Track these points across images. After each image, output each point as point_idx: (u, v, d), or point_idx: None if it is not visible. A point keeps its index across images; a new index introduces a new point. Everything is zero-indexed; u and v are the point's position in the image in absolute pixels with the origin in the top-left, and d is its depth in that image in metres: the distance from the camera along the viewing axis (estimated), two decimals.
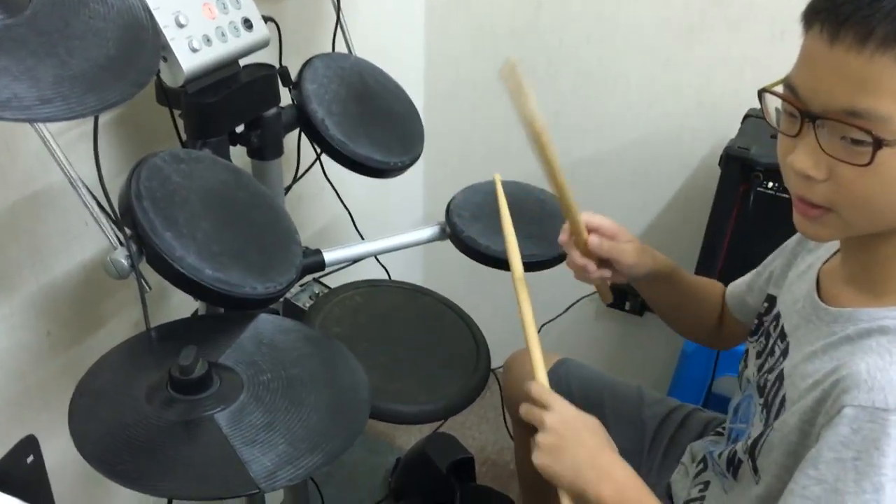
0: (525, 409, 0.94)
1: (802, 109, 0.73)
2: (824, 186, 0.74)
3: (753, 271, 1.12)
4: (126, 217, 0.90)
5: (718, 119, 1.68)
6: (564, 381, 1.32)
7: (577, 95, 1.83)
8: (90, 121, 0.87)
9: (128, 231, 0.90)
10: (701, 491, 1.06)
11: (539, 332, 1.93)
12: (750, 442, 0.90)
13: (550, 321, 1.93)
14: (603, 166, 1.88)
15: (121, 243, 0.90)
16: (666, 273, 1.13)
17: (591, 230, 1.05)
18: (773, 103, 0.78)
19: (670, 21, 1.66)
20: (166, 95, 1.08)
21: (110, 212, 0.92)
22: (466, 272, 1.33)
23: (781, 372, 0.88)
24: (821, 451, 0.73)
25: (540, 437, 0.90)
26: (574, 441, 0.90)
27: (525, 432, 1.47)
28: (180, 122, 1.12)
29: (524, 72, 0.94)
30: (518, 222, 1.35)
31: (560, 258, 1.33)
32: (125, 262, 0.89)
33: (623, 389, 1.31)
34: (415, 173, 2.04)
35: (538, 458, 0.89)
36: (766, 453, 0.86)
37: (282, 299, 1.24)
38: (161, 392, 0.81)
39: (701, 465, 1.10)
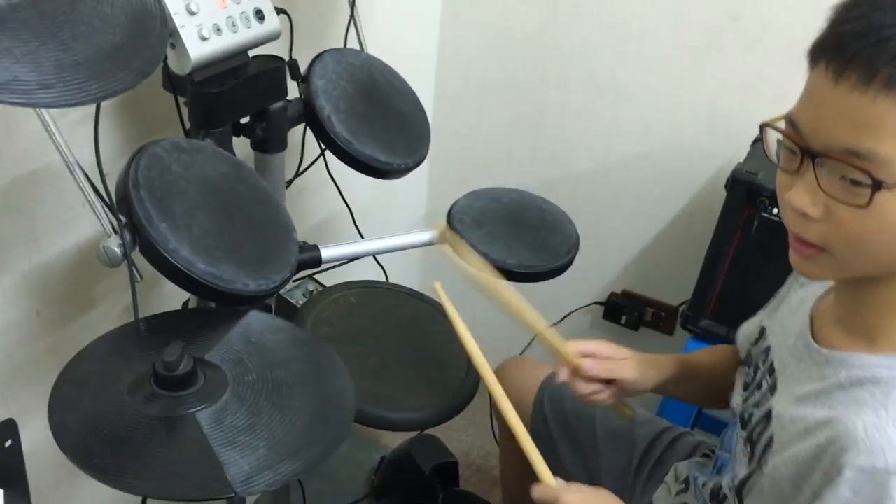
0: None
1: (803, 146, 0.72)
2: (820, 226, 0.73)
3: (759, 311, 1.09)
4: (122, 205, 0.89)
5: (728, 140, 1.66)
6: (558, 394, 1.31)
7: (587, 105, 1.81)
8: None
9: (123, 219, 0.89)
10: None
11: (531, 343, 1.92)
12: (737, 482, 0.89)
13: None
14: (608, 179, 1.86)
15: (115, 231, 0.89)
16: (680, 373, 1.12)
17: (585, 356, 1.05)
18: (775, 137, 0.77)
19: (686, 37, 1.64)
20: (172, 82, 1.07)
21: (106, 198, 0.91)
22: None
23: (769, 412, 0.87)
24: None
25: None
26: None
27: (512, 442, 1.47)
28: (185, 110, 1.11)
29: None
30: (518, 231, 1.34)
31: (558, 270, 1.32)
32: (118, 251, 0.88)
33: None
34: (419, 174, 2.02)
35: None
36: (755, 496, 0.85)
37: (275, 295, 1.23)
38: (144, 386, 0.80)
39: (682, 486, 1.09)
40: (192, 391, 0.80)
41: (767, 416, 0.87)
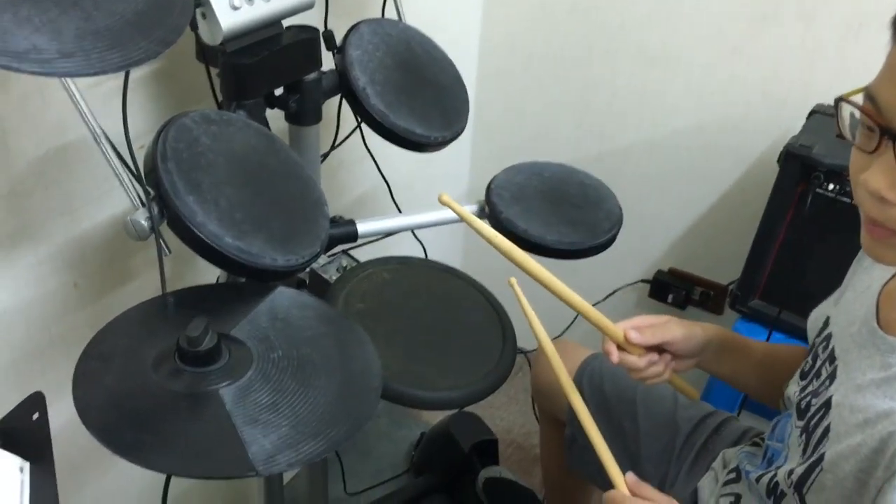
0: None
1: (883, 124, 0.66)
2: None
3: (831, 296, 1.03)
4: (150, 177, 0.88)
5: (783, 113, 1.60)
6: (598, 375, 1.29)
7: (636, 78, 1.76)
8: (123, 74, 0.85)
9: (151, 192, 0.88)
10: (732, 502, 1.02)
11: (575, 319, 1.89)
12: (795, 478, 0.85)
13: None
14: (657, 154, 1.81)
15: (143, 204, 0.88)
16: (728, 342, 1.07)
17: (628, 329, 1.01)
18: (850, 112, 0.71)
19: (741, 8, 1.58)
20: (204, 53, 1.05)
21: (135, 170, 0.90)
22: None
23: (829, 400, 0.83)
24: None
25: None
26: None
27: (551, 428, 1.44)
28: (217, 82, 1.09)
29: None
30: (559, 206, 1.31)
31: (602, 246, 1.28)
32: (145, 224, 0.87)
33: (657, 391, 1.26)
34: (461, 148, 2.00)
35: None
36: (816, 492, 0.82)
37: (308, 270, 1.22)
38: (168, 362, 0.79)
39: (733, 475, 1.05)
40: (215, 367, 0.79)
41: (826, 404, 0.83)
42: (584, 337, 1.56)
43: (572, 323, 1.89)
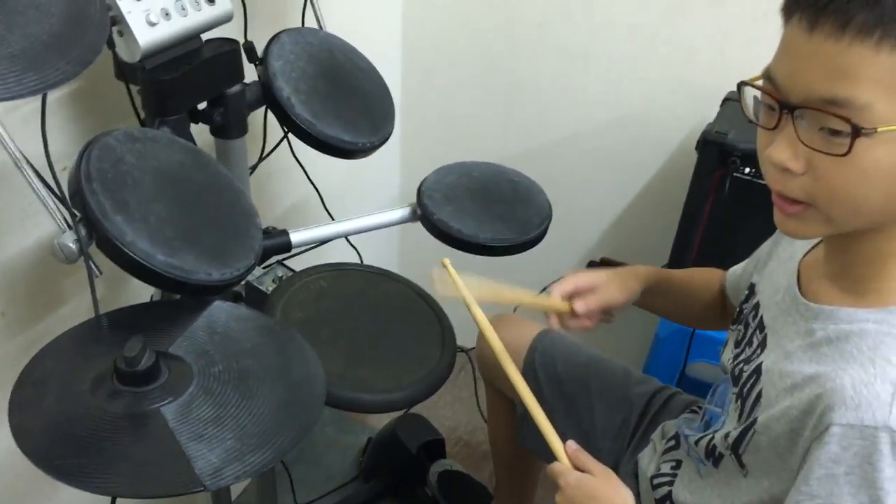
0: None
1: (781, 101, 0.71)
2: (803, 180, 0.73)
3: (750, 256, 1.10)
4: (75, 199, 0.87)
5: (699, 101, 1.65)
6: (549, 354, 1.31)
7: (557, 75, 1.79)
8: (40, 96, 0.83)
9: (77, 214, 0.87)
10: (673, 468, 1.06)
11: (515, 311, 1.91)
12: (731, 440, 0.89)
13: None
14: (582, 148, 1.85)
15: (69, 226, 0.87)
16: (655, 284, 1.14)
17: (571, 296, 1.07)
18: (752, 96, 0.76)
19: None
20: (123, 71, 1.04)
21: (59, 192, 0.89)
22: (442, 255, 1.31)
23: (759, 366, 0.88)
24: (811, 468, 0.73)
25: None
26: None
27: (499, 402, 1.46)
28: (139, 99, 1.08)
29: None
30: (490, 205, 1.33)
31: (534, 240, 1.31)
32: (73, 247, 0.86)
33: (609, 367, 1.31)
34: (390, 152, 2.01)
35: None
36: (752, 452, 0.86)
37: (243, 283, 1.22)
38: (106, 384, 0.78)
39: (672, 442, 1.10)
40: (155, 386, 0.78)
41: (757, 371, 0.88)
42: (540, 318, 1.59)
43: (514, 311, 1.92)
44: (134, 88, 1.09)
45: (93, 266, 0.88)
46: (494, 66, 1.86)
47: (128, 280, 1.24)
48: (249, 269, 0.97)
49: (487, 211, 1.31)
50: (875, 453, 0.70)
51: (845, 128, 0.67)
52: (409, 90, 1.95)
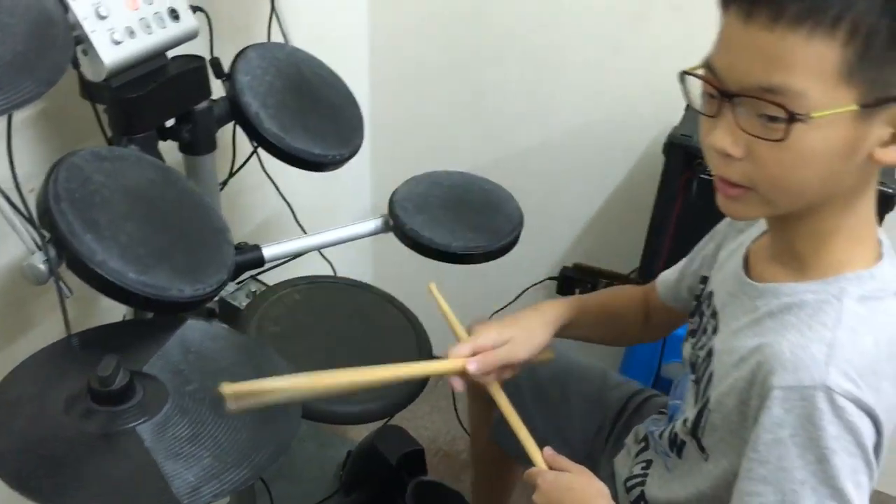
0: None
1: (720, 89, 0.74)
2: (743, 165, 0.76)
3: (684, 259, 1.14)
4: (44, 220, 0.86)
5: (664, 105, 1.66)
6: None
7: (524, 81, 1.81)
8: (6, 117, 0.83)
9: (46, 234, 0.86)
10: (643, 469, 1.07)
11: (491, 318, 1.91)
12: (689, 424, 0.91)
13: (503, 308, 1.92)
14: (551, 154, 1.86)
15: (38, 247, 0.86)
16: (570, 320, 1.10)
17: (472, 354, 0.99)
18: (696, 86, 0.79)
19: (616, 5, 1.64)
20: (89, 90, 1.04)
21: (27, 214, 0.88)
22: (417, 265, 1.31)
23: (711, 349, 0.91)
24: (759, 434, 0.76)
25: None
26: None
27: (479, 405, 1.46)
28: (106, 118, 1.08)
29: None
30: (462, 213, 1.33)
31: (506, 248, 1.32)
32: (43, 268, 0.86)
33: (589, 371, 1.31)
34: (362, 164, 2.01)
35: None
36: (709, 433, 0.88)
37: (217, 299, 1.21)
38: (80, 403, 0.78)
39: (643, 444, 1.11)
40: (130, 405, 0.78)
41: (709, 353, 0.91)
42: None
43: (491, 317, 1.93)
44: (100, 107, 1.08)
45: (63, 286, 0.88)
46: (462, 76, 1.87)
47: (100, 299, 1.23)
48: (222, 285, 0.97)
49: (459, 220, 1.31)
50: (815, 412, 0.72)
51: (781, 114, 0.70)
52: (378, 102, 1.96)
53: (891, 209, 1.32)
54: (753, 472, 0.76)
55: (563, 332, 1.11)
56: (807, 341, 0.75)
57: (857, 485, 0.73)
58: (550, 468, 0.94)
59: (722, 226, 1.05)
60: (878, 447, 0.75)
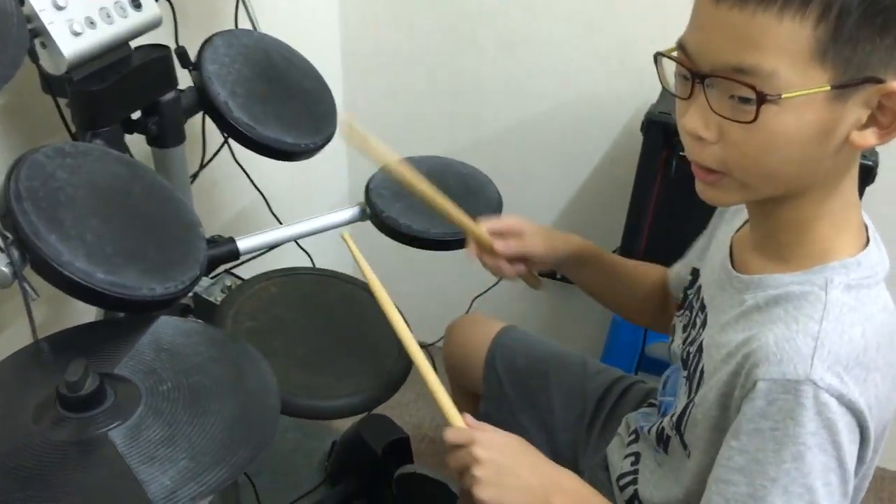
0: (452, 458, 0.87)
1: (693, 70, 0.73)
2: (716, 148, 0.75)
3: (686, 253, 1.11)
4: (6, 220, 0.83)
5: (642, 83, 1.65)
6: (510, 350, 1.30)
7: (500, 61, 1.78)
8: None
9: (9, 236, 0.83)
10: (633, 464, 1.06)
11: (472, 304, 1.90)
12: (675, 418, 0.90)
13: (483, 293, 1.91)
14: (528, 136, 1.84)
15: (1, 250, 0.83)
16: (587, 255, 1.15)
17: (496, 234, 1.08)
18: (670, 68, 0.78)
19: None
20: (49, 84, 1.01)
21: None
22: (397, 253, 1.29)
23: (701, 344, 0.89)
24: (741, 423, 0.75)
25: (478, 472, 0.84)
26: (513, 464, 0.86)
27: (464, 402, 1.45)
28: (69, 112, 1.04)
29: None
30: None
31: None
32: (6, 270, 0.83)
33: (568, 360, 1.30)
34: (337, 152, 1.98)
35: (483, 493, 0.83)
36: (691, 428, 0.87)
37: (192, 295, 1.19)
38: (49, 411, 0.75)
39: (633, 436, 1.10)
40: (101, 410, 0.75)
41: (699, 349, 0.89)
42: (494, 310, 1.59)
43: (473, 302, 1.91)
44: (63, 101, 1.05)
45: (28, 289, 0.85)
46: (436, 60, 1.84)
47: (69, 301, 1.20)
48: (195, 281, 0.94)
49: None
50: (798, 407, 0.71)
51: (752, 95, 0.69)
52: (352, 87, 1.93)
53: (871, 182, 1.31)
54: (732, 461, 0.75)
55: (577, 269, 1.15)
56: (793, 334, 0.73)
57: (826, 484, 0.72)
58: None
59: (715, 216, 1.03)
60: (864, 441, 0.74)
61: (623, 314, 1.26)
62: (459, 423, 0.88)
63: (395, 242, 1.26)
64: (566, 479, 0.88)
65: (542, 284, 1.21)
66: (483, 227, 1.08)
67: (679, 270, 1.11)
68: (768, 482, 0.72)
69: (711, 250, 0.98)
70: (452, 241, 1.24)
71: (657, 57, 0.78)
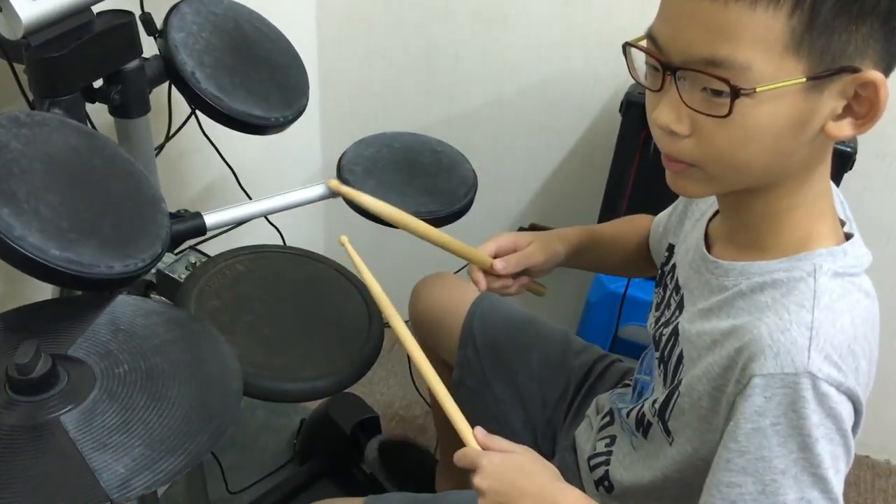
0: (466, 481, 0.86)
1: (664, 61, 0.70)
2: (688, 142, 0.73)
3: (671, 206, 1.08)
4: None
5: (620, 62, 1.62)
6: (489, 318, 1.28)
7: (476, 38, 1.75)
8: None
9: None
10: (607, 445, 1.04)
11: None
12: (657, 405, 0.89)
13: (457, 272, 1.89)
14: (504, 113, 1.81)
15: None
16: (584, 244, 1.13)
17: (493, 256, 1.06)
18: (641, 58, 0.75)
19: None
20: (4, 49, 0.96)
21: None
22: (370, 232, 1.26)
23: (676, 327, 0.87)
24: (738, 424, 0.73)
25: (480, 502, 0.84)
26: (511, 490, 0.83)
27: (436, 363, 1.42)
28: (26, 80, 1.00)
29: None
30: (413, 177, 1.28)
31: (460, 211, 1.27)
32: None
33: (550, 333, 1.28)
34: (310, 125, 1.94)
35: None
36: (676, 417, 0.85)
37: (155, 272, 1.15)
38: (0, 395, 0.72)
39: (607, 419, 1.08)
40: (53, 393, 0.72)
41: (675, 332, 0.88)
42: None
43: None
44: (19, 68, 1.01)
45: None
46: (411, 33, 1.80)
47: (24, 279, 1.16)
48: (156, 259, 0.91)
49: (411, 183, 1.26)
50: (798, 400, 0.70)
51: (725, 88, 0.67)
52: (326, 61, 1.88)
53: (849, 168, 1.30)
54: (732, 463, 0.73)
55: (578, 257, 1.13)
56: (786, 325, 0.72)
57: (836, 471, 0.71)
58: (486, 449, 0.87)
59: None
60: (856, 426, 0.74)
61: (623, 274, 1.29)
62: (470, 439, 0.87)
63: (368, 221, 1.23)
64: (570, 498, 0.85)
65: (546, 289, 1.19)
66: (482, 252, 1.06)
67: (660, 233, 1.09)
68: (778, 475, 0.71)
69: (686, 228, 0.97)
70: (427, 221, 1.21)
71: (626, 48, 0.75)
